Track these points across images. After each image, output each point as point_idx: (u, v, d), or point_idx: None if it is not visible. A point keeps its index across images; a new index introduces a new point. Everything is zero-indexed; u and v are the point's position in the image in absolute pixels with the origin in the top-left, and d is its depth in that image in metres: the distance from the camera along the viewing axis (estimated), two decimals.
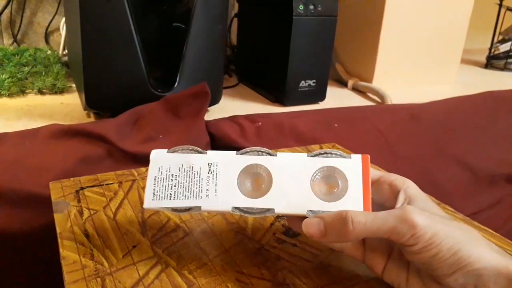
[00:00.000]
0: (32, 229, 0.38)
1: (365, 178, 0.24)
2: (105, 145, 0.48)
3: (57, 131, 0.49)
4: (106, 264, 0.26)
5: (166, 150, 0.26)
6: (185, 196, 0.25)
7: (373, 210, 0.24)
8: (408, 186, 0.24)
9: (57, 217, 0.30)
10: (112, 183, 0.36)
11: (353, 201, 0.24)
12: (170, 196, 0.25)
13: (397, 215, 0.21)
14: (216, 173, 0.25)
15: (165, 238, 0.29)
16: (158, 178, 0.26)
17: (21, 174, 0.42)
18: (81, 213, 0.31)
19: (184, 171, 0.25)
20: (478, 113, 0.72)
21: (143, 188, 0.35)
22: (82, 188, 0.35)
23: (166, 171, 0.26)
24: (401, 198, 0.24)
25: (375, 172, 0.26)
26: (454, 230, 0.21)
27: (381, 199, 0.25)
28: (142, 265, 0.26)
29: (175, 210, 0.25)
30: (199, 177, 0.25)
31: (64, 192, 0.34)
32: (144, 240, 0.28)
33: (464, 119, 0.70)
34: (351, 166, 0.24)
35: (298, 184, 0.24)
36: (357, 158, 0.25)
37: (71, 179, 0.36)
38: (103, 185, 0.35)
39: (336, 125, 0.60)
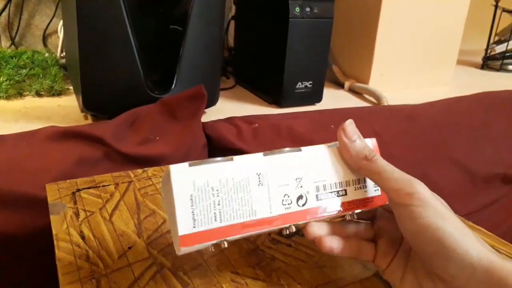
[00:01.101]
0: (28, 230, 0.38)
1: None
2: (102, 147, 0.48)
3: (55, 133, 0.50)
4: (101, 265, 0.26)
5: (186, 164, 0.21)
6: (236, 212, 0.21)
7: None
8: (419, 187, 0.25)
9: (53, 218, 0.30)
10: (108, 185, 0.36)
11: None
12: (215, 218, 0.21)
13: (406, 177, 0.23)
14: (268, 184, 0.22)
15: (161, 239, 0.29)
16: (194, 198, 0.20)
17: (18, 176, 0.42)
18: (77, 214, 0.31)
19: (226, 185, 0.21)
20: (474, 114, 0.72)
21: (139, 189, 0.35)
22: (78, 190, 0.35)
23: (204, 185, 0.21)
24: None
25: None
26: (450, 214, 0.22)
27: None
28: (138, 266, 0.26)
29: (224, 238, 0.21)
30: (248, 191, 0.22)
31: (60, 194, 0.34)
32: (139, 241, 0.28)
33: (460, 120, 0.70)
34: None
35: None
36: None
37: (68, 181, 0.36)
38: (99, 186, 0.35)
39: (332, 126, 0.61)
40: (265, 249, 0.29)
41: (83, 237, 0.29)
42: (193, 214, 0.21)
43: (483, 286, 0.19)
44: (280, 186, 0.23)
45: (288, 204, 0.23)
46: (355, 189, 0.25)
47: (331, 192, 0.24)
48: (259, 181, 0.22)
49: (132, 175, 0.38)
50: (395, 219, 0.23)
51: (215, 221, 0.21)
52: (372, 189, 0.26)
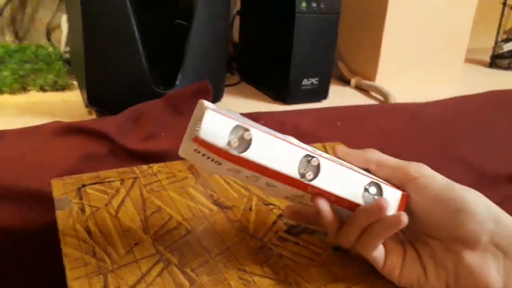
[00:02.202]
0: (34, 226, 0.38)
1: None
2: (107, 142, 0.48)
3: (59, 128, 0.49)
4: (108, 261, 0.26)
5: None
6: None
7: None
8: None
9: (59, 214, 0.30)
10: (114, 181, 0.36)
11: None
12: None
13: (407, 161, 0.25)
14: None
15: (167, 236, 0.29)
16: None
17: (22, 171, 0.42)
18: (83, 210, 0.31)
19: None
20: (481, 113, 0.71)
21: (145, 185, 0.35)
22: (84, 186, 0.34)
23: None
24: None
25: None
26: (450, 181, 0.23)
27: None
28: (144, 263, 0.26)
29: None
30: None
31: (66, 189, 0.34)
32: (146, 238, 0.28)
33: (468, 118, 0.69)
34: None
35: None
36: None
37: (73, 176, 0.36)
38: (105, 182, 0.35)
39: (339, 123, 0.60)
40: (273, 246, 0.28)
41: (89, 232, 0.28)
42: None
43: (507, 240, 0.21)
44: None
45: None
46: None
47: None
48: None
49: (138, 171, 0.37)
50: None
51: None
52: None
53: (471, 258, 0.22)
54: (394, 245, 0.25)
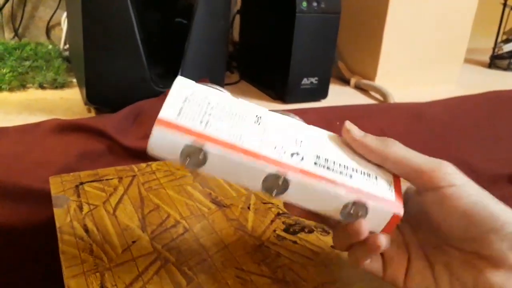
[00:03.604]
0: (31, 223, 0.38)
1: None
2: (105, 140, 0.48)
3: (58, 126, 0.49)
4: (105, 259, 0.26)
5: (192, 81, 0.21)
6: (223, 130, 0.19)
7: None
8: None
9: (57, 211, 0.30)
10: (112, 179, 0.35)
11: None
12: (201, 122, 0.19)
13: (434, 160, 0.21)
14: (264, 127, 0.20)
15: (165, 234, 0.29)
16: (189, 100, 0.20)
17: (21, 168, 0.42)
18: (80, 208, 0.31)
19: (222, 108, 0.20)
20: (480, 113, 0.71)
21: (143, 183, 0.35)
22: (82, 183, 0.34)
23: (203, 97, 0.20)
24: None
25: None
26: (484, 193, 0.20)
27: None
28: (142, 261, 0.26)
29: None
30: (243, 119, 0.20)
31: (64, 187, 0.34)
32: (143, 236, 0.28)
33: (467, 118, 0.69)
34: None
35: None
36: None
37: (71, 174, 0.36)
38: (103, 180, 0.35)
39: (338, 123, 0.60)
40: (271, 245, 0.28)
41: (86, 230, 0.28)
42: (181, 108, 0.19)
43: None
44: (277, 134, 0.21)
45: (280, 153, 0.20)
46: (364, 179, 0.21)
47: (333, 168, 0.21)
48: (257, 120, 0.20)
49: (136, 169, 0.37)
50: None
51: (200, 124, 0.19)
52: (386, 188, 0.21)
53: (495, 276, 0.19)
54: (394, 253, 0.23)
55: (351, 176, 0.21)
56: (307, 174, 0.20)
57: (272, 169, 0.20)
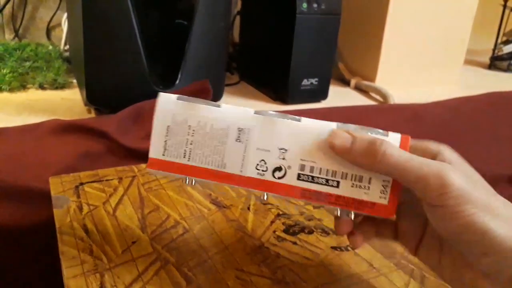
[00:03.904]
0: (31, 224, 0.38)
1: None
2: (106, 141, 0.48)
3: (58, 126, 0.49)
4: (105, 259, 0.26)
5: (175, 96, 0.22)
6: (206, 158, 0.21)
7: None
8: (444, 149, 0.20)
9: (57, 212, 0.30)
10: (112, 179, 0.35)
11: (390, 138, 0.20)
12: (184, 155, 0.21)
13: (433, 166, 0.18)
14: (246, 143, 0.21)
15: (165, 235, 0.28)
16: (171, 130, 0.21)
17: (21, 169, 0.42)
18: (80, 208, 0.31)
19: (203, 128, 0.21)
20: (480, 114, 0.71)
21: (143, 184, 0.35)
22: (82, 184, 0.34)
23: (183, 121, 0.21)
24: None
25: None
26: (494, 202, 0.18)
27: None
28: (141, 261, 0.26)
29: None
30: (223, 142, 0.21)
31: (64, 187, 0.34)
32: (143, 236, 0.28)
33: (467, 120, 0.69)
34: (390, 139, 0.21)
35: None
36: (395, 136, 0.21)
37: (71, 174, 0.36)
38: (103, 180, 0.35)
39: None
40: (270, 246, 0.28)
41: (86, 231, 0.28)
42: (166, 144, 0.22)
43: None
44: (259, 149, 0.21)
45: (263, 170, 0.21)
46: (352, 186, 0.21)
47: (318, 177, 0.21)
48: (238, 137, 0.21)
49: (136, 170, 0.37)
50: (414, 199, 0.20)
51: (184, 158, 0.21)
52: (377, 194, 0.21)
53: (491, 286, 0.19)
54: (410, 227, 0.22)
55: (338, 184, 0.21)
56: (290, 189, 0.21)
57: (255, 189, 0.21)
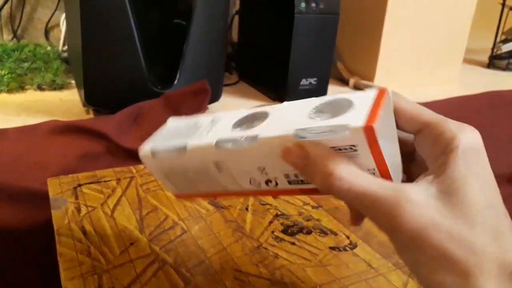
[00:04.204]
0: (30, 225, 0.38)
1: (377, 104, 0.17)
2: (104, 142, 0.48)
3: (56, 127, 0.49)
4: (103, 261, 0.26)
5: (149, 149, 0.23)
6: (208, 188, 0.22)
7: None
8: (463, 140, 0.15)
9: (55, 213, 0.30)
10: (110, 180, 0.35)
11: (353, 115, 0.16)
12: (191, 188, 0.23)
13: (388, 196, 0.15)
14: (216, 123, 0.22)
15: (163, 236, 0.28)
16: (168, 174, 0.23)
17: (19, 170, 0.42)
18: (78, 210, 0.31)
19: (189, 171, 0.22)
20: (479, 113, 0.71)
21: (141, 185, 0.35)
22: (80, 185, 0.34)
23: (171, 169, 0.23)
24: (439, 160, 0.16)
25: (423, 115, 0.17)
26: (455, 245, 0.14)
27: (424, 154, 0.17)
28: (140, 263, 0.26)
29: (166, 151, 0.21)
30: (198, 127, 0.22)
31: (62, 188, 0.34)
32: (141, 238, 0.28)
33: (466, 119, 0.69)
34: (363, 97, 0.18)
35: (295, 114, 0.19)
36: (371, 92, 0.18)
37: (69, 175, 0.36)
38: (101, 182, 0.35)
39: None
40: (269, 247, 0.28)
41: (84, 232, 0.28)
42: (173, 183, 0.23)
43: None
44: (241, 172, 0.20)
45: (257, 185, 0.21)
46: None
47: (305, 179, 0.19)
48: (218, 168, 0.21)
49: (134, 171, 0.37)
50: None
51: (193, 189, 0.23)
52: None
53: None
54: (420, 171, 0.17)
55: None
56: (289, 191, 0.20)
57: (262, 195, 0.23)
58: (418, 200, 0.15)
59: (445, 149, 0.16)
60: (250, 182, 0.21)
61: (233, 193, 0.22)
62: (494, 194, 0.15)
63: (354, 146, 0.16)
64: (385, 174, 0.17)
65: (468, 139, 0.16)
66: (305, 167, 0.17)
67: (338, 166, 0.16)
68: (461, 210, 0.14)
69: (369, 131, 0.15)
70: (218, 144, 0.20)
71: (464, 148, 0.15)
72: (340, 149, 0.16)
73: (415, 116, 0.18)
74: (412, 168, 0.19)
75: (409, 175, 0.19)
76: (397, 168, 0.18)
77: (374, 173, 0.17)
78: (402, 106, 0.18)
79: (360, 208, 0.16)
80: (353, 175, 0.16)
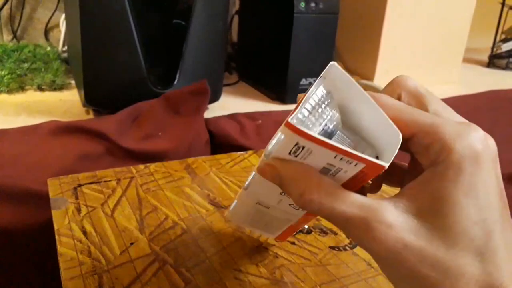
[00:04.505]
0: (30, 225, 0.38)
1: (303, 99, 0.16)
2: (104, 142, 0.48)
3: (56, 127, 0.49)
4: (103, 261, 0.26)
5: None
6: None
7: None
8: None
9: (55, 213, 0.30)
10: (110, 180, 0.35)
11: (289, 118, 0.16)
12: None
13: (358, 217, 0.14)
14: (269, 206, 0.23)
15: (163, 236, 0.28)
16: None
17: (20, 170, 0.42)
18: (78, 210, 0.31)
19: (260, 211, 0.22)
20: (480, 113, 0.71)
21: (141, 185, 0.35)
22: (80, 185, 0.34)
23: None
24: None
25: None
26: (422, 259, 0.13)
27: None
28: (140, 263, 0.26)
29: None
30: (268, 214, 0.23)
31: (62, 189, 0.34)
32: (141, 238, 0.28)
33: (466, 118, 0.69)
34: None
35: None
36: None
37: (69, 176, 0.36)
38: (101, 182, 0.35)
39: None
40: (269, 246, 0.28)
41: (84, 232, 0.28)
42: (261, 230, 0.26)
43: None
44: (277, 203, 0.22)
45: (294, 208, 0.22)
46: (346, 172, 0.18)
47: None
48: (263, 207, 0.23)
49: (134, 171, 0.37)
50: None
51: (275, 229, 0.25)
52: (360, 166, 0.17)
53: None
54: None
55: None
56: None
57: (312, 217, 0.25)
58: (391, 220, 0.14)
59: (434, 161, 0.14)
60: (292, 206, 0.22)
61: (300, 221, 0.23)
62: (491, 207, 0.14)
63: (297, 144, 0.15)
64: (352, 156, 0.15)
65: (465, 146, 0.14)
66: (281, 186, 0.16)
67: (308, 185, 0.15)
68: (440, 231, 0.13)
69: (291, 126, 0.15)
70: (244, 187, 0.22)
71: (457, 159, 0.14)
72: (296, 155, 0.16)
73: (402, 122, 0.15)
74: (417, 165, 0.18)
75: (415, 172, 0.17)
76: (381, 139, 0.16)
77: (348, 162, 0.15)
78: (389, 113, 0.16)
79: (336, 226, 0.16)
80: (323, 194, 0.15)
